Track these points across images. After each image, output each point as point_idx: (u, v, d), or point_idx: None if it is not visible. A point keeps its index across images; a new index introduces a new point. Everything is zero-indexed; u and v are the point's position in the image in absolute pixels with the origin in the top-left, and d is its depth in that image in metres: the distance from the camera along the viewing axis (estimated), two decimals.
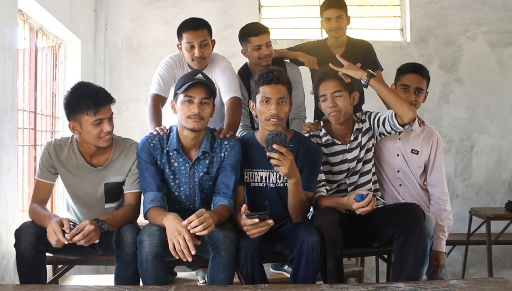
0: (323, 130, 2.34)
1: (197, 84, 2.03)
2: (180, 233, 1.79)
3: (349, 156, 2.31)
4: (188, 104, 2.03)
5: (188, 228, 1.79)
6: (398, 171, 2.44)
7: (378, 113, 2.33)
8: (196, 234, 1.81)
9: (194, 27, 2.53)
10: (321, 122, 2.40)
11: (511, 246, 3.92)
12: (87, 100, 1.98)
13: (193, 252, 1.78)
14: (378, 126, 2.29)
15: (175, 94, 2.10)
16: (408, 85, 2.41)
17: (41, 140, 3.03)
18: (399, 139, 2.45)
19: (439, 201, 2.44)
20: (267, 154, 1.94)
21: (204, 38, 2.54)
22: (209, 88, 2.06)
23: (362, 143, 2.31)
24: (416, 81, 2.40)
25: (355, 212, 2.02)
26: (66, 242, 1.81)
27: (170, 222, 1.84)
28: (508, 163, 4.22)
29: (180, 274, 2.80)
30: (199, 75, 2.06)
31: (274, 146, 1.91)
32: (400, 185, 2.46)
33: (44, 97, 3.17)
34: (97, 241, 1.89)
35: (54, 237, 1.80)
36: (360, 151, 2.31)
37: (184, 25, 2.56)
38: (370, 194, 1.93)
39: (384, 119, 2.27)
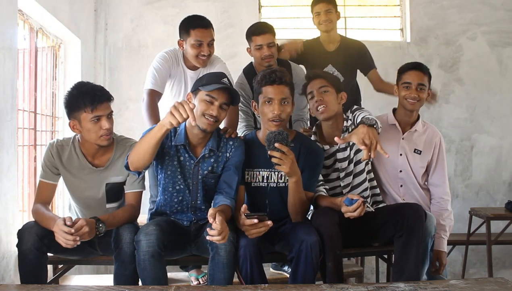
0: (313, 137, 2.36)
1: (223, 88, 2.03)
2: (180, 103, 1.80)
3: (339, 155, 2.30)
4: (208, 104, 2.02)
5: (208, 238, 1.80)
6: (401, 171, 2.44)
7: (359, 113, 2.24)
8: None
9: (204, 25, 2.53)
10: (314, 128, 2.41)
11: (511, 246, 3.92)
12: (84, 97, 2.01)
13: (193, 123, 1.82)
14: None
15: (195, 89, 2.08)
16: (409, 82, 2.41)
17: (41, 140, 3.03)
18: (403, 139, 2.46)
19: (441, 201, 2.44)
20: (268, 152, 1.93)
21: (212, 37, 2.55)
22: (232, 96, 2.07)
23: (351, 143, 2.29)
24: (417, 78, 2.41)
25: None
26: (77, 242, 1.81)
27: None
28: (508, 163, 4.22)
29: (173, 274, 2.79)
30: (226, 80, 2.06)
31: (276, 145, 1.91)
32: (401, 186, 2.45)
33: (44, 97, 3.17)
34: (87, 239, 1.89)
35: (65, 241, 1.80)
36: (350, 151, 2.30)
37: (193, 23, 2.54)
38: (360, 200, 1.92)
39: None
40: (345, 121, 2.31)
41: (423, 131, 2.48)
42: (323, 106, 2.22)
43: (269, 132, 1.96)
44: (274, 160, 1.93)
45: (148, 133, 1.93)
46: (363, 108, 2.33)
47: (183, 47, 2.59)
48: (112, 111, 2.09)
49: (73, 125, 2.06)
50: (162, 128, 1.85)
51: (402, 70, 2.48)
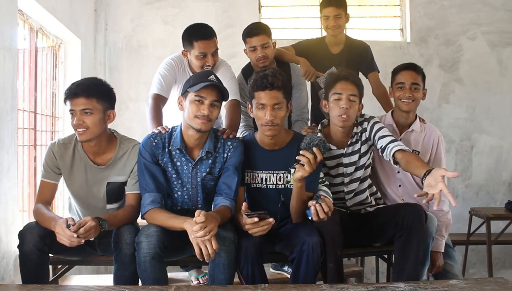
0: (319, 135, 2.34)
1: (210, 86, 2.02)
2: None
3: (345, 160, 2.28)
4: (198, 104, 2.01)
5: (192, 236, 1.80)
6: (398, 172, 2.43)
7: (379, 128, 2.25)
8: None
9: (208, 36, 2.49)
10: (319, 126, 2.39)
11: (511, 246, 3.92)
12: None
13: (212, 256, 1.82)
14: (375, 143, 2.25)
15: (185, 92, 2.08)
16: (403, 82, 2.40)
17: (41, 140, 3.03)
18: (400, 139, 2.44)
19: None
20: (301, 151, 1.95)
21: (216, 46, 2.52)
22: (221, 92, 2.06)
23: (362, 151, 2.28)
24: (410, 77, 2.40)
25: (354, 211, 2.01)
26: (81, 241, 1.81)
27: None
28: (508, 163, 4.23)
29: (173, 274, 2.79)
30: (212, 77, 2.05)
31: (314, 149, 1.94)
32: (399, 186, 2.45)
33: (44, 97, 3.17)
34: (92, 239, 1.89)
35: (66, 240, 1.80)
36: (359, 159, 2.28)
37: (195, 34, 2.50)
38: (313, 207, 1.89)
39: (380, 142, 2.20)
40: (355, 127, 2.28)
41: (420, 131, 2.48)
42: (346, 116, 2.19)
43: (313, 135, 2.00)
44: (302, 159, 1.94)
45: (173, 219, 1.93)
46: (376, 118, 2.31)
47: (187, 57, 2.57)
48: (89, 109, 2.00)
49: None
50: (183, 228, 1.86)
51: (396, 71, 2.47)
